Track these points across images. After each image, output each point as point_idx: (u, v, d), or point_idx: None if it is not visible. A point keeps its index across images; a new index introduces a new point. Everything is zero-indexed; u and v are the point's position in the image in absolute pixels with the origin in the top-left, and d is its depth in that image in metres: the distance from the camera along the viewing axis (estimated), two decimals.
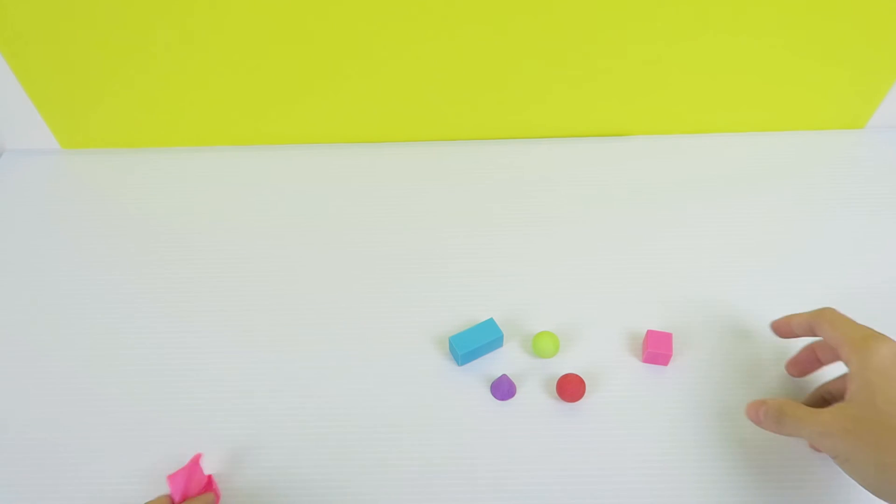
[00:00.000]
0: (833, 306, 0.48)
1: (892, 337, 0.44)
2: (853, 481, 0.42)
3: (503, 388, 0.52)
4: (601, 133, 0.72)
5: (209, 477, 0.49)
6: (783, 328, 0.51)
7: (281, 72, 0.65)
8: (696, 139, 0.72)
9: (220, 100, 0.68)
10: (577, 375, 0.52)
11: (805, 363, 0.52)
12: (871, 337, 0.44)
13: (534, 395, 0.53)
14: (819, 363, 0.51)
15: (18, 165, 0.72)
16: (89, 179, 0.71)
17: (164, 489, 0.48)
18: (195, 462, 0.48)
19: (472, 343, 0.54)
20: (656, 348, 0.53)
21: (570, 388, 0.52)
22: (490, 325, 0.55)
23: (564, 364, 0.55)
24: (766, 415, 0.47)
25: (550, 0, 0.60)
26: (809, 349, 0.52)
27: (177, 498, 0.46)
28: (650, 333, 0.54)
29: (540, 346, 0.54)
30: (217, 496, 0.48)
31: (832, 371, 0.50)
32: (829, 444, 0.42)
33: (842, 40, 0.64)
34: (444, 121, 0.71)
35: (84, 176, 0.71)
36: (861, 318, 0.46)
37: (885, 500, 0.40)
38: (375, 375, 0.55)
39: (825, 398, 0.50)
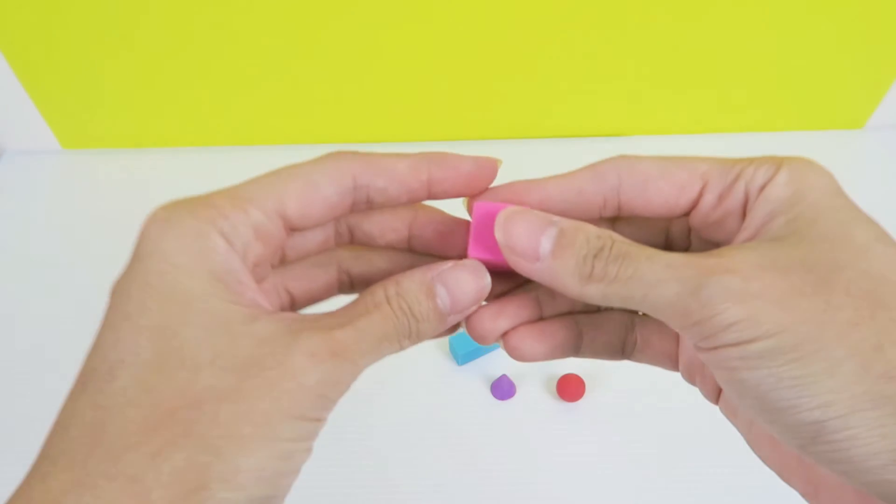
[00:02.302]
0: None
1: None
2: None
3: (503, 388, 0.52)
4: (601, 133, 0.72)
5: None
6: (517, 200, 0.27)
7: (281, 72, 0.66)
8: (696, 139, 0.72)
9: (221, 100, 0.68)
10: (576, 375, 0.52)
11: None
12: (772, 157, 0.25)
13: (534, 395, 0.53)
14: None
15: (19, 165, 0.72)
16: (89, 179, 0.71)
17: None
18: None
19: (473, 343, 0.54)
20: None
21: (570, 388, 0.52)
22: None
23: (564, 364, 0.55)
24: (581, 254, 0.23)
25: (550, 0, 0.60)
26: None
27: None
28: None
29: None
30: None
31: None
32: (742, 313, 0.21)
33: (842, 40, 0.64)
34: (444, 121, 0.71)
35: (84, 176, 0.71)
36: None
37: (830, 447, 0.21)
38: (375, 375, 0.55)
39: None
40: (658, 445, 0.50)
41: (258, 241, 0.24)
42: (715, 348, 0.21)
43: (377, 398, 0.53)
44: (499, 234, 0.25)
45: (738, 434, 0.49)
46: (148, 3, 0.60)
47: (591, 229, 0.24)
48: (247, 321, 0.22)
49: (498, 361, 0.55)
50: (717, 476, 0.49)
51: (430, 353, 0.56)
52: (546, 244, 0.24)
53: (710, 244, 0.26)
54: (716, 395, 0.31)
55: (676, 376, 0.58)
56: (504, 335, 0.27)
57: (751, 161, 0.25)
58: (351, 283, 0.29)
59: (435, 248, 0.28)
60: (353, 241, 0.28)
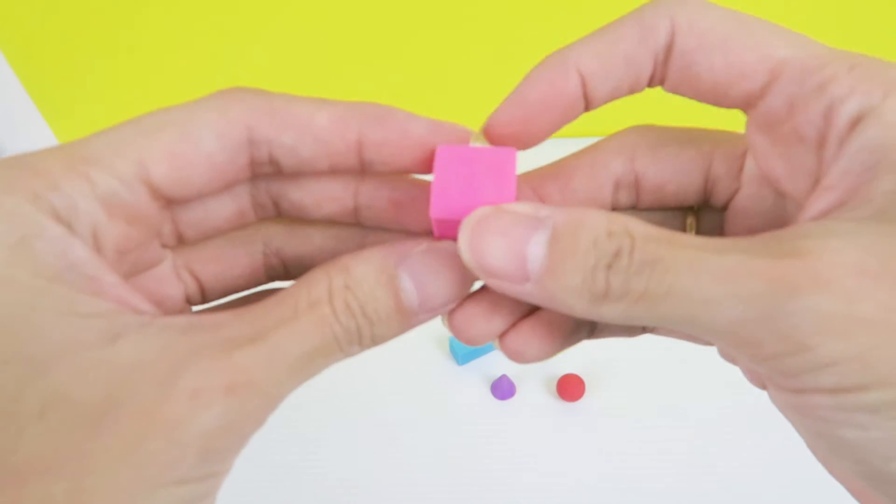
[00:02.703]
0: None
1: None
2: None
3: (503, 388, 0.52)
4: (601, 133, 0.72)
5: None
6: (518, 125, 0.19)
7: (280, 71, 0.65)
8: None
9: None
10: (576, 376, 0.52)
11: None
12: (876, 64, 0.17)
13: (534, 395, 0.53)
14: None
15: None
16: None
17: None
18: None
19: None
20: None
21: (570, 388, 0.52)
22: None
23: (564, 364, 0.55)
24: (588, 265, 0.16)
25: (552, 1, 0.60)
26: None
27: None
28: None
29: None
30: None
31: None
32: (846, 350, 0.14)
33: (841, 40, 0.64)
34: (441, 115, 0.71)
35: None
36: None
37: None
38: (375, 374, 0.55)
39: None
40: (659, 446, 0.50)
41: (115, 220, 0.16)
42: (800, 391, 0.15)
43: (375, 398, 0.53)
44: (465, 254, 0.17)
45: (741, 435, 0.47)
46: (149, 3, 0.60)
47: (600, 222, 0.16)
48: (102, 341, 0.15)
49: (498, 361, 0.55)
50: (719, 477, 0.49)
51: (430, 353, 0.56)
52: (535, 255, 0.16)
53: (767, 185, 0.19)
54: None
55: (677, 374, 0.57)
56: (502, 336, 0.20)
57: (850, 67, 0.16)
58: (284, 268, 0.21)
59: (391, 221, 0.20)
60: (281, 212, 0.20)
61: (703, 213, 0.22)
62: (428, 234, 0.20)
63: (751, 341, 0.15)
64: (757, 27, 0.18)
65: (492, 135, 0.19)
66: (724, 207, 0.21)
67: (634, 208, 0.22)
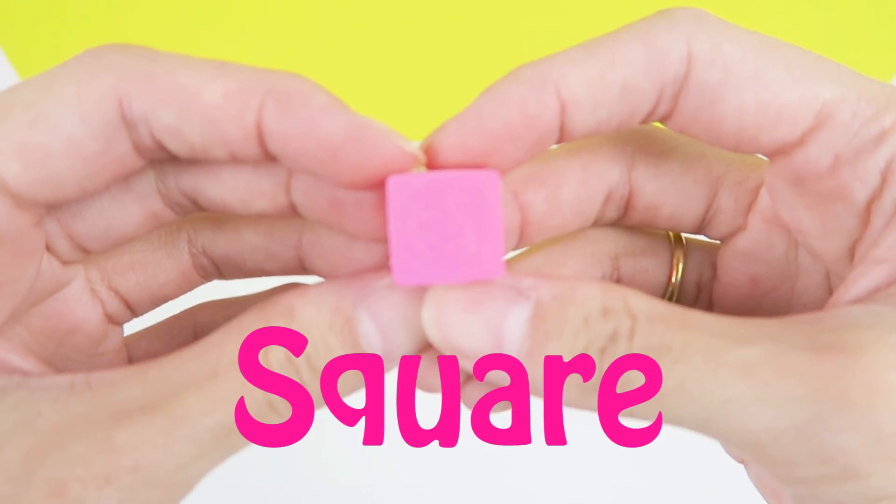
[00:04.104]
0: None
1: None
2: None
3: None
4: None
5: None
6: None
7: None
8: None
9: None
10: None
11: None
12: None
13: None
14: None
15: None
16: None
17: None
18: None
19: None
20: None
21: None
22: None
23: None
24: (577, 348, 0.14)
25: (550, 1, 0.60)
26: None
27: None
28: None
29: None
30: None
31: None
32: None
33: (840, 38, 0.64)
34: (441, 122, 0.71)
35: None
36: None
37: None
38: None
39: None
40: (659, 446, 0.50)
41: None
42: None
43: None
44: (430, 330, 0.14)
45: None
46: (150, 4, 0.60)
47: (593, 297, 0.13)
48: None
49: None
50: (721, 479, 0.49)
51: None
52: (514, 334, 0.14)
53: (779, 232, 0.17)
54: None
55: None
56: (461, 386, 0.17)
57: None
58: (216, 267, 0.18)
59: (334, 224, 0.16)
60: (203, 208, 0.16)
61: (690, 246, 0.19)
62: (382, 243, 0.16)
63: (781, 458, 0.12)
64: (792, 57, 0.14)
65: (434, 159, 0.15)
66: (719, 239, 0.18)
67: (617, 225, 0.19)
